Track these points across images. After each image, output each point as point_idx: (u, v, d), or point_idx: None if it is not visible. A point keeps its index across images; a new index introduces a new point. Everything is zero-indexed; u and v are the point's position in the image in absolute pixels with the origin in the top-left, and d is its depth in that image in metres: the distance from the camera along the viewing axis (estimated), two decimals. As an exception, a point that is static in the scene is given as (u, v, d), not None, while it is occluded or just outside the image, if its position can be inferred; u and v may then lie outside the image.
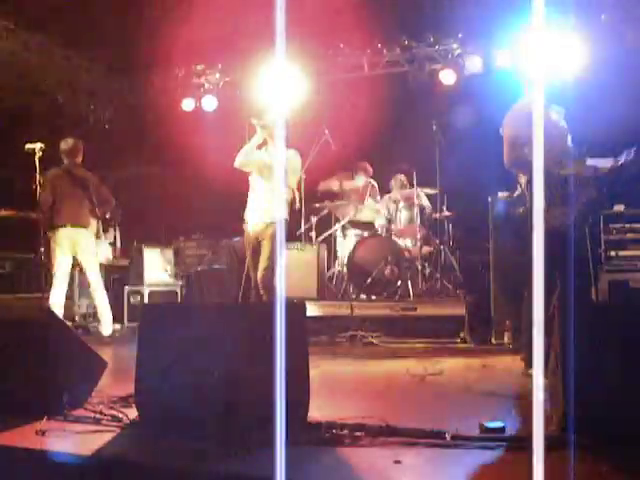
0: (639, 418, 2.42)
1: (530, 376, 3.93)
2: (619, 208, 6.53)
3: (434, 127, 6.75)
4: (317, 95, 8.18)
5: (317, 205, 7.45)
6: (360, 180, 7.58)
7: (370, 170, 7.59)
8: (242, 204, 5.41)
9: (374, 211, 7.22)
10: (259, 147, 5.34)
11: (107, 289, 8.75)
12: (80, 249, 6.09)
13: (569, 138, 3.97)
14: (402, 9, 6.93)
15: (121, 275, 9.08)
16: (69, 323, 5.67)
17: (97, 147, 8.80)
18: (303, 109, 8.12)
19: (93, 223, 6.30)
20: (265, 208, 5.23)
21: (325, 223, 7.55)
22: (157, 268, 8.83)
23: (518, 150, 3.90)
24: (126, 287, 8.97)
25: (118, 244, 9.24)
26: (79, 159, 6.29)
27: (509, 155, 3.98)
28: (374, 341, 5.93)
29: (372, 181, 7.65)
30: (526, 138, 3.93)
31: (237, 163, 5.24)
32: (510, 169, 4.08)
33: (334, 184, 7.57)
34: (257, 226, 5.24)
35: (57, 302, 5.91)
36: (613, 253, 6.31)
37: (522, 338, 4.17)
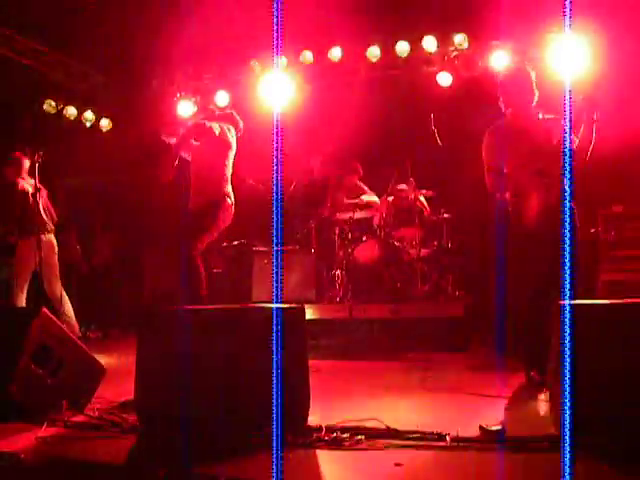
0: (638, 418, 2.42)
1: (530, 377, 3.93)
2: (617, 208, 6.54)
3: (433, 128, 6.74)
4: (313, 97, 8.19)
5: (316, 208, 7.46)
6: (351, 180, 7.62)
7: (360, 171, 7.61)
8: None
9: (372, 211, 7.22)
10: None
11: (105, 293, 8.79)
12: None
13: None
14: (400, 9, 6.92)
15: (119, 279, 9.09)
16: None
17: (95, 152, 8.82)
18: (299, 111, 8.15)
19: None
20: (193, 198, 4.87)
21: (323, 226, 7.53)
22: (157, 272, 8.84)
23: (496, 176, 3.95)
24: (125, 292, 8.98)
25: (117, 248, 9.24)
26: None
27: (488, 180, 4.04)
28: (373, 344, 5.92)
29: (361, 184, 7.71)
30: (499, 166, 3.96)
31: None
32: (493, 192, 4.09)
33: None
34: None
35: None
36: (611, 253, 6.32)
37: (522, 339, 4.16)
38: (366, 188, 7.62)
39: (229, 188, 4.93)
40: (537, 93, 4.03)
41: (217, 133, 4.79)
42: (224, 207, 4.85)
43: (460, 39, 7.28)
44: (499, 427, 2.66)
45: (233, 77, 8.32)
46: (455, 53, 7.43)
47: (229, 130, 4.96)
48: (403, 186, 7.03)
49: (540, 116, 4.04)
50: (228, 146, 4.93)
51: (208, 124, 4.82)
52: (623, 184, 6.52)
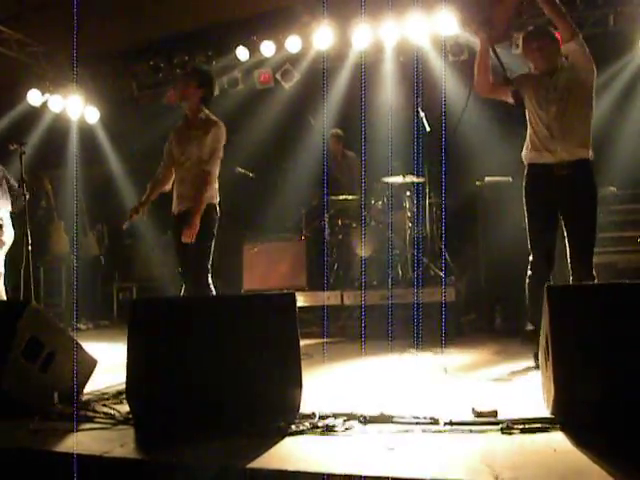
0: (630, 401, 2.43)
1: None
2: (608, 190, 6.54)
3: (421, 113, 6.71)
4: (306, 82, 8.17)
5: (308, 197, 7.46)
6: (332, 145, 7.79)
7: (341, 135, 7.79)
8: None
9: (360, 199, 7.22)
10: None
11: (96, 285, 8.74)
12: None
13: None
14: None
15: (110, 271, 9.05)
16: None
17: (84, 144, 8.76)
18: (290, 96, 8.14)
19: None
20: (176, 198, 4.68)
21: (314, 213, 7.52)
22: (147, 264, 8.80)
23: None
24: (115, 283, 8.94)
25: (106, 240, 9.19)
26: None
27: None
28: (365, 330, 5.92)
29: (348, 152, 7.81)
30: None
31: None
32: None
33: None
34: (174, 217, 4.66)
35: None
36: (602, 235, 6.32)
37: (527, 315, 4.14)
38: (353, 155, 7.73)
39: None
40: None
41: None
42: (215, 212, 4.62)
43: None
44: (492, 409, 2.67)
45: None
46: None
47: None
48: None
49: None
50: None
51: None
52: (613, 165, 6.52)
